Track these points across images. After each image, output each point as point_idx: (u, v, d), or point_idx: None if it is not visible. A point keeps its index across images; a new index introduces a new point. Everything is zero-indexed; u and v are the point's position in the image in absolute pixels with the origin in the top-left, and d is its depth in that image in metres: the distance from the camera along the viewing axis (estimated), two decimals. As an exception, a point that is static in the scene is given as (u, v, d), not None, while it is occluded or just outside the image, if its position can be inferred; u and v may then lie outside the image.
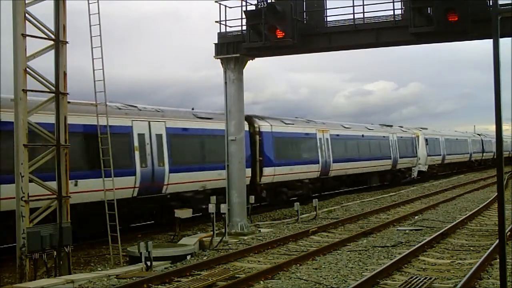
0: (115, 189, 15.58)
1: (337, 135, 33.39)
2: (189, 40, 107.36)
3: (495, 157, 65.60)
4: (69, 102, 13.90)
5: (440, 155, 51.51)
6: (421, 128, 50.50)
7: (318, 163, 30.24)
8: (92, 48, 14.95)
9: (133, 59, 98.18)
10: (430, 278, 10.80)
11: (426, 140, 47.91)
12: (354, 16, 17.05)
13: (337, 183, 33.51)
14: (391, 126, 43.92)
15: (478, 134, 69.35)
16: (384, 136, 40.42)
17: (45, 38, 13.08)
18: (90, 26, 14.83)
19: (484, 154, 68.40)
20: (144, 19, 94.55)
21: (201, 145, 22.32)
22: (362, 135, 36.83)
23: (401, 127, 45.97)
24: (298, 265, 12.48)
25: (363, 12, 16.97)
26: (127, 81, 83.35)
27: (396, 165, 41.34)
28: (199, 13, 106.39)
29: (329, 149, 31.49)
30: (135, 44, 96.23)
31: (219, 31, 18.22)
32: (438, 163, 51.11)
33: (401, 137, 43.25)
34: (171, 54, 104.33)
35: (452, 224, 17.87)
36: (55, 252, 12.73)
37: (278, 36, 16.54)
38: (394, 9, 16.71)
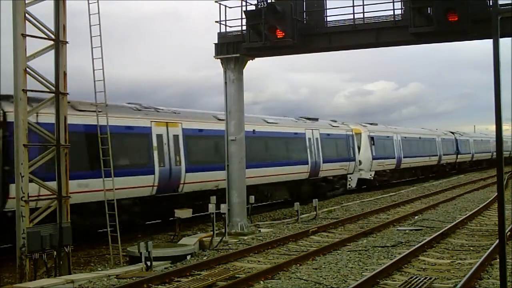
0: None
1: (200, 130, 22.37)
2: (189, 40, 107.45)
3: (473, 159, 62.08)
4: (69, 102, 13.90)
5: (393, 158, 41.07)
6: (366, 123, 40.28)
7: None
8: (92, 48, 14.96)
9: (133, 59, 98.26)
10: (430, 278, 10.80)
11: (372, 138, 37.87)
12: (354, 16, 17.06)
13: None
14: (316, 119, 32.67)
15: (451, 132, 58.46)
16: (296, 133, 28.68)
17: (45, 38, 13.08)
18: (90, 26, 14.84)
19: (459, 156, 58.14)
20: (144, 19, 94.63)
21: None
22: (253, 131, 24.03)
23: (334, 121, 35.39)
24: (298, 265, 12.47)
25: (363, 12, 16.98)
26: (127, 81, 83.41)
27: (318, 173, 29.97)
28: (199, 13, 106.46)
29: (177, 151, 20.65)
30: (135, 44, 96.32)
31: (219, 31, 18.22)
32: (390, 168, 40.64)
33: (328, 134, 31.85)
34: (171, 54, 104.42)
35: (452, 224, 17.87)
36: (55, 252, 12.74)
37: (278, 36, 16.54)
38: (394, 9, 16.71)
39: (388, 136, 41.14)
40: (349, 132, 34.49)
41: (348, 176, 33.72)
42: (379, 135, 39.45)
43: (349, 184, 33.96)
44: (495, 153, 67.69)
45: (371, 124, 40.81)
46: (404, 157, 42.74)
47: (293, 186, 28.30)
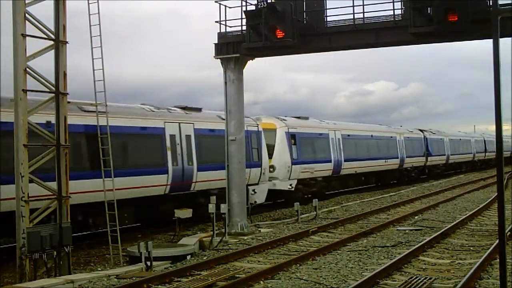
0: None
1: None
2: (190, 40, 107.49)
3: (448, 162, 53.32)
4: (69, 102, 13.90)
5: (328, 161, 31.33)
6: (289, 117, 30.27)
7: None
8: (92, 48, 14.95)
9: (134, 59, 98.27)
10: (430, 278, 10.80)
11: (293, 136, 28.50)
12: (354, 16, 17.06)
13: None
14: (198, 109, 22.94)
15: (421, 130, 49.76)
16: (144, 128, 19.39)
17: (45, 38, 13.08)
18: (90, 26, 14.83)
19: (430, 158, 48.88)
20: (145, 19, 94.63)
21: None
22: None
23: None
24: (298, 265, 12.47)
25: (363, 12, 16.98)
26: (127, 80, 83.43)
27: (188, 185, 20.73)
28: (200, 13, 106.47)
29: None
30: (136, 44, 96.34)
31: (219, 31, 18.22)
32: (324, 175, 30.76)
33: (212, 130, 22.15)
34: (172, 54, 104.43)
35: (452, 224, 17.88)
36: (55, 252, 12.73)
37: (278, 36, 16.54)
38: (394, 9, 16.73)
39: (321, 134, 31.10)
40: (253, 127, 24.51)
41: (250, 188, 22.72)
42: (304, 132, 29.27)
43: (250, 202, 22.05)
44: (477, 154, 64.31)
45: (297, 117, 30.65)
46: (346, 161, 33.01)
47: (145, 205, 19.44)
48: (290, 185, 27.56)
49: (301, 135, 29.20)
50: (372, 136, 38.44)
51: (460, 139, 60.38)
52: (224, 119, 19.01)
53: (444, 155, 53.14)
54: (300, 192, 28.44)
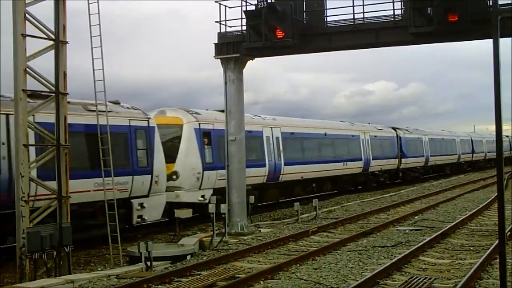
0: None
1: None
2: (190, 40, 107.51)
3: (427, 164, 46.94)
4: (69, 102, 13.89)
5: (262, 165, 25.25)
6: (202, 110, 24.00)
7: None
8: (92, 48, 14.94)
9: (134, 59, 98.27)
10: (430, 278, 10.80)
11: (207, 135, 22.61)
12: (354, 16, 17.06)
13: None
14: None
15: (393, 128, 43.38)
16: None
17: (45, 38, 13.08)
18: (90, 26, 14.82)
19: (405, 160, 42.59)
20: (145, 19, 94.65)
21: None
22: None
23: (117, 103, 18.66)
24: (298, 265, 12.48)
25: (363, 12, 16.98)
26: (128, 80, 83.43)
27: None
28: (200, 13, 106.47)
29: None
30: (136, 44, 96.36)
31: (219, 31, 18.22)
32: (256, 183, 24.23)
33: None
34: (172, 54, 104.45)
35: (452, 224, 17.88)
36: (55, 252, 12.73)
37: (278, 36, 16.54)
38: (394, 9, 16.72)
39: (250, 131, 23.61)
40: (140, 122, 18.81)
41: (135, 202, 18.08)
42: (223, 130, 19.71)
43: (138, 218, 18.25)
44: (464, 156, 58.01)
45: (221, 111, 21.63)
46: (287, 164, 26.97)
47: None
48: (202, 196, 21.56)
49: (219, 133, 21.47)
50: (325, 134, 31.95)
51: (443, 139, 54.05)
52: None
53: (423, 156, 46.63)
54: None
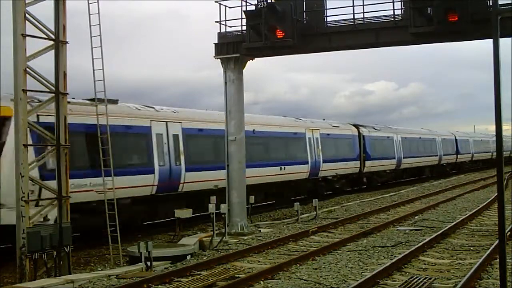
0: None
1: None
2: (190, 40, 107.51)
3: (399, 167, 41.04)
4: (69, 102, 13.89)
5: (149, 171, 19.47)
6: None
7: None
8: (92, 48, 14.96)
9: (134, 59, 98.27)
10: (430, 278, 10.80)
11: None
12: (354, 16, 17.07)
13: None
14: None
15: (355, 126, 36.99)
16: None
17: (45, 38, 13.08)
18: (90, 26, 14.84)
19: (370, 163, 36.49)
20: (145, 19, 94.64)
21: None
22: None
23: None
24: (298, 265, 12.47)
25: (363, 12, 16.99)
26: (127, 81, 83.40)
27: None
28: (200, 13, 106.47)
29: None
30: (136, 44, 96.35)
31: (219, 31, 18.22)
32: (139, 195, 18.98)
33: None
34: (172, 54, 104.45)
35: (452, 224, 17.87)
36: (55, 252, 12.73)
37: (278, 36, 16.54)
38: (394, 9, 16.73)
39: (129, 127, 18.89)
40: None
41: None
42: (84, 124, 16.45)
43: None
44: (446, 157, 52.21)
45: (91, 100, 16.60)
46: (191, 170, 20.86)
47: None
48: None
49: (77, 128, 16.12)
50: (254, 131, 24.37)
51: (420, 138, 47.31)
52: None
53: (394, 158, 40.37)
54: (78, 225, 15.47)
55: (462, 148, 58.53)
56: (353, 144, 35.39)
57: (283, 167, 26.96)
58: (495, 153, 65.58)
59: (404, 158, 41.96)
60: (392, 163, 40.38)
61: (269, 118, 28.85)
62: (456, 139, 57.37)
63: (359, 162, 35.40)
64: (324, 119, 35.67)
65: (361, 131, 36.50)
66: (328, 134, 32.37)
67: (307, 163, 29.29)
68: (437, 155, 50.39)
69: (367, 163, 36.15)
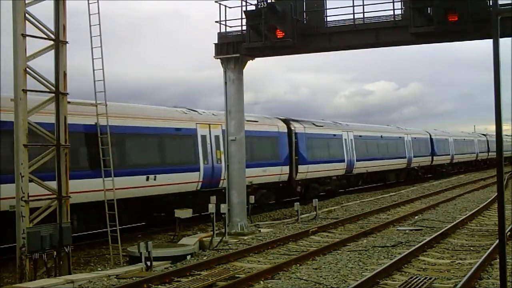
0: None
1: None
2: (190, 40, 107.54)
3: (350, 173, 33.35)
4: (69, 102, 13.89)
5: None
6: None
7: None
8: (92, 48, 14.96)
9: (134, 59, 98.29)
10: (430, 278, 10.80)
11: None
12: (354, 16, 17.07)
13: None
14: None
15: (284, 121, 29.18)
16: None
17: (45, 38, 13.08)
18: (90, 26, 14.83)
19: (303, 168, 28.64)
20: (145, 19, 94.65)
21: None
22: None
23: None
24: (298, 265, 12.47)
25: (363, 12, 16.99)
26: (128, 80, 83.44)
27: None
28: (201, 13, 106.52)
29: None
30: (137, 44, 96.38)
31: (219, 31, 18.22)
32: None
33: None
34: (172, 54, 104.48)
35: (452, 224, 17.87)
36: (55, 252, 12.73)
37: (278, 36, 16.54)
38: (394, 9, 16.73)
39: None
40: None
41: None
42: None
43: None
44: (417, 159, 44.58)
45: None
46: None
47: None
48: None
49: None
50: (147, 128, 19.44)
51: (382, 136, 39.75)
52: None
53: (342, 161, 33.06)
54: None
55: (440, 149, 51.56)
56: (279, 144, 27.25)
57: (151, 176, 19.42)
58: (480, 154, 60.66)
59: (357, 161, 34.67)
60: (340, 168, 32.88)
61: (137, 108, 20.69)
62: (431, 139, 50.12)
63: (288, 167, 27.61)
64: (266, 116, 28.08)
65: (292, 128, 28.68)
66: (257, 132, 25.18)
67: (197, 170, 21.71)
68: (405, 157, 42.97)
69: (301, 167, 28.45)
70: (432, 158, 49.75)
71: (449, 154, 54.48)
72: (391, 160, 40.38)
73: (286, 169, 27.47)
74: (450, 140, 55.27)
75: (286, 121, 28.88)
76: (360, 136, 36.23)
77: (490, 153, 67.68)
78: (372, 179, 38.91)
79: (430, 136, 50.38)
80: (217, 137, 22.76)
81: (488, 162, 67.69)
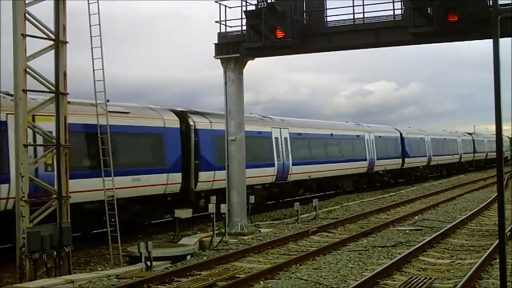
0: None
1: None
2: (190, 40, 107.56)
3: (286, 180, 26.19)
4: (69, 102, 13.89)
5: None
6: None
7: None
8: (92, 48, 14.97)
9: (135, 59, 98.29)
10: (430, 278, 10.80)
11: None
12: (354, 16, 17.07)
13: None
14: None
15: (177, 114, 21.38)
16: None
17: (45, 38, 13.08)
18: (90, 26, 14.84)
19: (221, 174, 20.16)
20: (146, 19, 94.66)
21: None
22: None
23: None
24: (298, 265, 12.47)
25: (363, 12, 16.99)
26: (128, 80, 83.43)
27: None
28: (201, 14, 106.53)
29: None
30: (136, 44, 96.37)
31: (219, 31, 18.22)
32: None
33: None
34: (173, 54, 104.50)
35: (452, 224, 17.87)
36: (55, 252, 12.73)
37: (278, 36, 16.54)
38: (394, 9, 16.73)
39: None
40: None
41: None
42: None
43: None
44: (383, 162, 37.93)
45: None
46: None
47: None
48: None
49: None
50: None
51: (332, 135, 32.95)
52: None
53: (272, 166, 26.20)
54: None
55: (413, 150, 44.56)
56: (166, 145, 20.40)
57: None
58: (465, 156, 56.73)
59: (294, 165, 27.79)
60: (268, 174, 25.98)
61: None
62: (402, 138, 43.37)
63: (180, 174, 20.60)
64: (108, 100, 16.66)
65: (191, 123, 21.76)
66: (81, 126, 16.74)
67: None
68: (365, 160, 36.38)
69: (204, 175, 21.80)
70: (403, 161, 42.44)
71: (425, 156, 47.46)
72: (345, 163, 33.31)
73: (176, 177, 20.41)
74: (427, 140, 48.30)
75: (182, 114, 21.74)
76: (299, 134, 29.33)
77: (476, 154, 62.56)
78: (320, 187, 31.92)
79: (401, 134, 43.39)
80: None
81: (474, 164, 62.72)
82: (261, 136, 25.86)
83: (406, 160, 43.02)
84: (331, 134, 32.97)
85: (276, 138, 27.06)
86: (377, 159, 37.90)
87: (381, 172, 39.19)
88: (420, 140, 47.01)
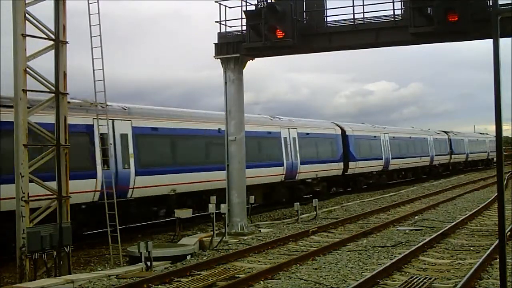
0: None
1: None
2: (190, 40, 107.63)
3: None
4: (69, 102, 13.89)
5: None
6: None
7: None
8: (92, 48, 14.97)
9: (135, 59, 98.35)
10: (430, 278, 10.80)
11: None
12: (354, 16, 17.06)
13: None
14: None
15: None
16: None
17: (45, 38, 13.08)
18: (90, 26, 14.84)
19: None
20: (146, 19, 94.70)
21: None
22: None
23: None
24: (298, 265, 12.48)
25: (363, 12, 16.98)
26: (128, 80, 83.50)
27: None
28: (201, 14, 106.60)
29: None
30: (137, 44, 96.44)
31: (219, 31, 18.23)
32: None
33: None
34: (172, 54, 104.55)
35: (452, 224, 17.87)
36: (55, 252, 12.73)
37: (278, 36, 16.54)
38: (394, 9, 16.72)
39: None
40: None
41: None
42: None
43: None
44: (325, 167, 29.84)
45: None
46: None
47: None
48: None
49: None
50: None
51: (257, 134, 25.35)
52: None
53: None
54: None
55: (358, 151, 35.57)
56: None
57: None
58: (438, 158, 51.12)
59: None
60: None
61: None
62: (346, 136, 34.63)
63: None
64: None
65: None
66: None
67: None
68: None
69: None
70: (346, 165, 33.85)
71: (381, 159, 38.86)
72: (260, 169, 25.13)
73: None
74: (384, 139, 39.85)
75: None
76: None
77: (453, 156, 54.25)
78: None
79: (344, 131, 34.60)
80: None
81: (451, 168, 54.41)
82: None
83: (351, 164, 34.15)
84: (280, 136, 27.72)
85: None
86: (301, 164, 28.70)
87: (308, 180, 29.70)
88: (372, 139, 38.33)
